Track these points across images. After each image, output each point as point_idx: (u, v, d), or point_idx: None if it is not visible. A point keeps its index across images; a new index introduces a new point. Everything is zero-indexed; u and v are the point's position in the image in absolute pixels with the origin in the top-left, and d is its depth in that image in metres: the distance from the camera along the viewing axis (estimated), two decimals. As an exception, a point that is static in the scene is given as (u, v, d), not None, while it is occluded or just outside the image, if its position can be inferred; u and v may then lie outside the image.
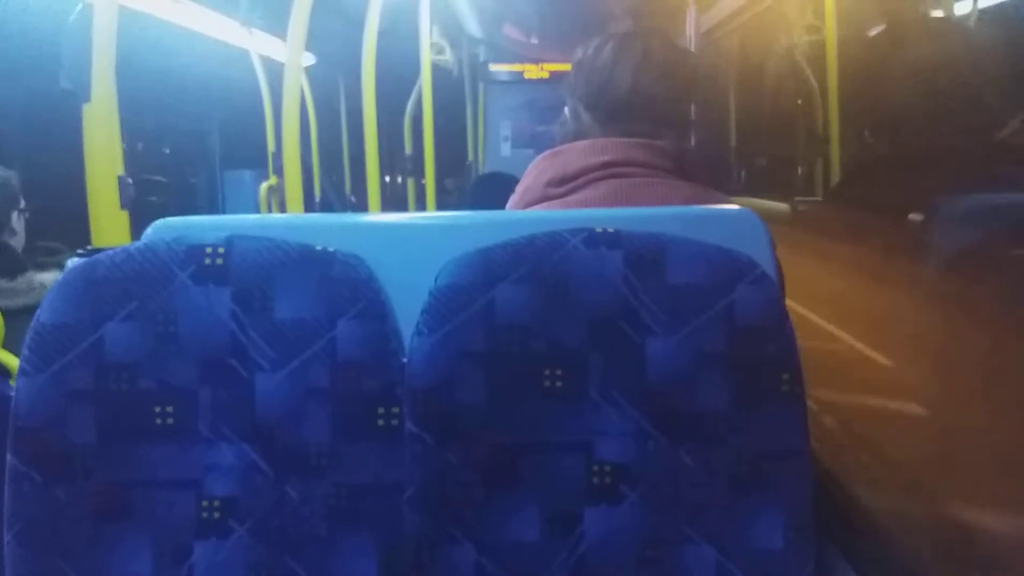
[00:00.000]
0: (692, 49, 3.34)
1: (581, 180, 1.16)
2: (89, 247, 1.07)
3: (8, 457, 0.80)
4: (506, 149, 5.79)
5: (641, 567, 0.83)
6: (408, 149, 4.48)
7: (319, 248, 0.84)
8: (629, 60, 1.21)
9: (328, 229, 0.94)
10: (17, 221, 2.01)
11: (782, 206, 2.34)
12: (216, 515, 0.82)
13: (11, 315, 1.56)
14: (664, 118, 1.21)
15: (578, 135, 1.24)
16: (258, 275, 0.82)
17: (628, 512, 0.83)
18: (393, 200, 5.73)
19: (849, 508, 0.95)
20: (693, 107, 1.28)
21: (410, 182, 4.52)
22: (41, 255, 2.00)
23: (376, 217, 1.04)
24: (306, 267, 0.83)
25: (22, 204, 2.03)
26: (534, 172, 1.22)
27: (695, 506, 0.83)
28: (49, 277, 1.83)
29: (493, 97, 5.83)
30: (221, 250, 0.83)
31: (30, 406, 0.80)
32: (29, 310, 0.84)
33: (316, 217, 1.13)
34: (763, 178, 3.47)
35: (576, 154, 1.18)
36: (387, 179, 5.94)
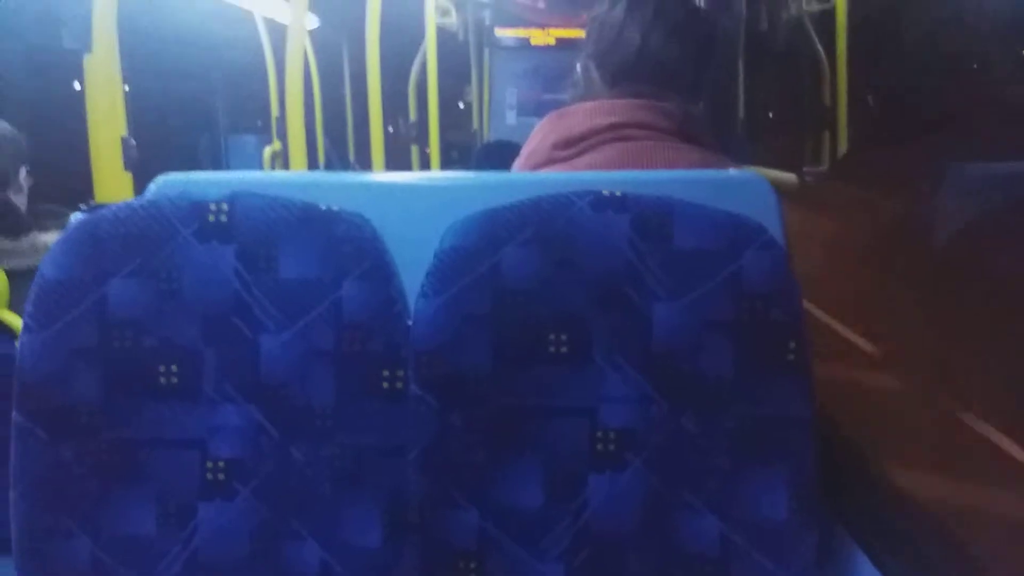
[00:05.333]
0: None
1: (588, 143, 1.14)
2: (92, 203, 1.06)
3: (13, 414, 0.80)
4: (512, 117, 5.73)
5: (644, 533, 0.83)
6: (412, 115, 4.45)
7: (323, 207, 0.83)
8: (640, 18, 1.19)
9: (332, 188, 0.93)
10: (25, 179, 2.00)
11: (789, 176, 2.32)
12: (221, 476, 0.82)
13: (15, 276, 1.56)
14: (672, 80, 1.19)
15: (587, 95, 1.23)
16: (262, 233, 0.82)
17: (631, 478, 0.83)
18: (397, 168, 5.71)
19: (854, 480, 0.95)
20: (707, 71, 1.25)
21: (413, 148, 4.49)
22: (44, 218, 1.99)
23: (381, 177, 1.03)
24: (310, 226, 0.82)
25: (27, 167, 2.02)
26: (540, 133, 1.21)
27: (699, 473, 0.83)
28: (52, 238, 1.82)
29: (499, 63, 5.77)
30: (224, 206, 0.82)
31: (34, 362, 0.80)
32: (33, 271, 0.83)
33: (320, 175, 1.12)
34: (770, 146, 3.45)
35: (582, 115, 1.17)
36: (390, 129, 5.89)
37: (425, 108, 3.84)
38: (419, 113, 4.41)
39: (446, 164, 4.66)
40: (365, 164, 3.99)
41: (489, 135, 5.63)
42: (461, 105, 6.07)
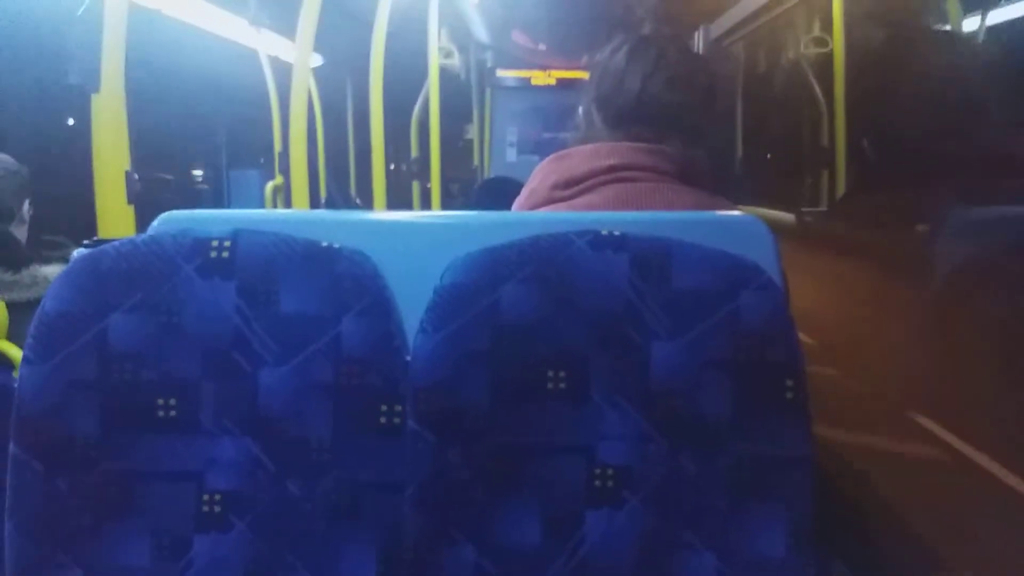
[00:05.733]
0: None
1: (587, 184, 1.15)
2: (95, 238, 1.07)
3: (11, 446, 0.80)
4: (512, 155, 5.79)
5: (641, 571, 0.82)
6: (414, 151, 4.48)
7: (325, 244, 0.84)
8: (641, 64, 1.21)
9: (334, 226, 0.94)
10: (27, 212, 2.01)
11: (786, 216, 2.34)
12: (217, 509, 0.81)
13: (14, 308, 1.56)
14: (673, 124, 1.21)
15: (587, 138, 1.24)
16: (264, 269, 0.82)
17: (629, 516, 0.82)
18: (398, 203, 5.74)
19: (853, 518, 0.95)
20: (706, 117, 1.27)
21: (415, 184, 4.52)
22: (46, 249, 1.99)
23: (382, 215, 1.04)
24: (311, 262, 0.83)
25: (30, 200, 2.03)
26: (540, 175, 1.22)
27: (696, 511, 0.83)
28: (53, 271, 1.83)
29: (500, 102, 5.83)
30: (227, 243, 0.82)
31: (33, 395, 0.80)
32: (33, 304, 0.84)
33: (322, 213, 1.13)
34: (768, 188, 3.47)
35: (582, 157, 1.18)
36: (392, 167, 5.93)
37: (427, 145, 3.87)
38: (421, 149, 4.44)
39: (446, 198, 4.69)
40: (367, 199, 4.02)
41: (490, 171, 5.68)
42: (461, 144, 6.12)
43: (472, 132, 5.99)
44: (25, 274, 1.79)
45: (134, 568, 0.81)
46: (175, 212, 0.95)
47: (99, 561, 0.81)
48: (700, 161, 1.21)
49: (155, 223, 0.95)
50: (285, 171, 3.70)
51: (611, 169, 1.15)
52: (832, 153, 2.75)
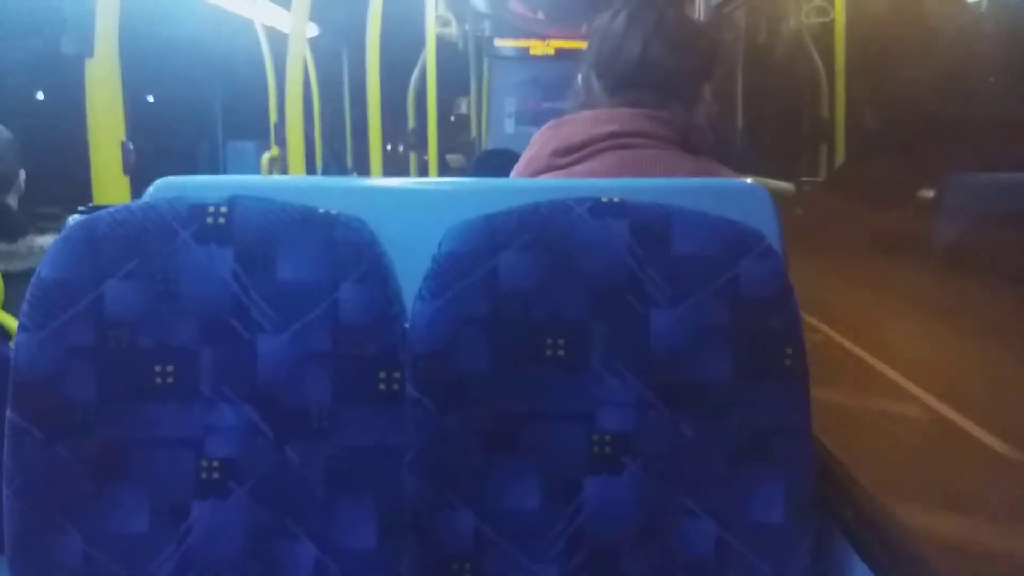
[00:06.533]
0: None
1: (587, 150, 1.15)
2: (90, 204, 1.06)
3: (8, 413, 0.80)
4: (510, 126, 5.75)
5: (640, 538, 0.83)
6: (411, 122, 4.46)
7: (322, 211, 0.84)
8: (641, 29, 1.20)
9: (331, 192, 0.93)
10: (23, 181, 1.99)
11: (786, 185, 2.33)
12: (215, 475, 0.82)
13: (11, 278, 1.56)
14: (672, 90, 1.20)
15: (587, 104, 1.23)
16: (260, 236, 0.82)
17: (628, 482, 0.83)
18: (395, 173, 5.72)
19: (850, 486, 0.95)
20: (707, 83, 1.26)
21: (412, 156, 4.50)
22: (42, 221, 1.99)
23: (380, 182, 1.03)
24: (309, 229, 0.82)
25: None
26: (539, 142, 1.21)
27: (695, 478, 0.83)
28: (49, 240, 1.82)
29: (498, 73, 5.79)
30: (223, 209, 0.82)
31: (30, 362, 0.80)
32: (29, 275, 0.83)
33: (319, 180, 1.12)
34: (768, 158, 3.46)
35: (582, 124, 1.17)
36: (388, 147, 5.91)
37: (424, 116, 3.85)
38: (418, 121, 4.41)
39: (443, 171, 4.68)
40: (363, 171, 4.00)
41: (487, 143, 5.65)
42: (452, 118, 6.08)
43: (465, 106, 5.95)
44: (21, 244, 1.79)
45: (133, 534, 0.81)
46: (171, 178, 0.94)
47: (98, 527, 0.81)
48: (701, 128, 1.20)
49: (150, 189, 0.94)
50: (281, 142, 3.69)
51: (611, 136, 1.14)
52: (832, 124, 2.74)
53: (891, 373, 1.75)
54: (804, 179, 2.74)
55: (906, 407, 1.70)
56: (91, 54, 1.56)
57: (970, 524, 1.21)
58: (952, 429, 1.57)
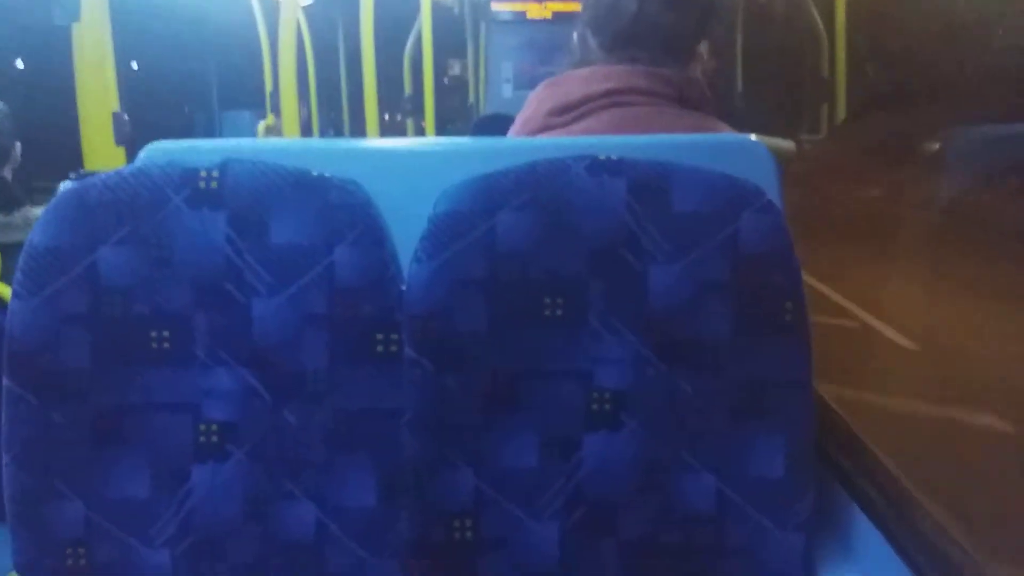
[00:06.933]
0: None
1: (584, 109, 1.13)
2: (82, 171, 1.05)
3: (4, 379, 0.80)
4: (508, 91, 5.69)
5: (639, 492, 0.83)
6: (408, 89, 4.42)
7: (315, 173, 0.83)
8: None
9: (324, 154, 0.92)
10: (18, 153, 1.99)
11: (787, 143, 2.31)
12: (214, 439, 0.82)
13: (7, 250, 1.56)
14: (670, 46, 1.18)
15: (582, 62, 1.21)
16: (254, 199, 0.81)
17: (627, 439, 0.83)
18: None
19: (850, 440, 0.95)
20: (704, 41, 1.24)
21: (409, 122, 4.47)
22: (38, 193, 1.98)
23: (374, 142, 1.02)
24: (302, 192, 0.81)
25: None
26: (535, 101, 1.19)
27: (694, 433, 0.83)
28: None
29: (495, 37, 5.71)
30: (215, 173, 0.81)
31: (24, 329, 0.80)
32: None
33: (312, 142, 1.11)
34: (769, 117, 3.44)
35: (578, 82, 1.15)
36: (386, 117, 5.87)
37: (420, 82, 3.81)
38: (414, 87, 4.37)
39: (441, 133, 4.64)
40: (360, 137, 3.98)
41: (485, 108, 5.60)
42: (446, 80, 6.00)
43: (458, 67, 5.87)
44: (17, 216, 1.78)
45: (134, 498, 0.82)
46: (162, 142, 0.93)
47: (98, 492, 0.81)
48: (698, 83, 1.18)
49: (142, 154, 0.93)
50: (277, 111, 3.66)
51: (608, 93, 1.13)
52: (832, 81, 2.72)
53: (836, 297, 2.27)
54: (805, 137, 2.72)
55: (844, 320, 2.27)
56: (77, 19, 1.54)
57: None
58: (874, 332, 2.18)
